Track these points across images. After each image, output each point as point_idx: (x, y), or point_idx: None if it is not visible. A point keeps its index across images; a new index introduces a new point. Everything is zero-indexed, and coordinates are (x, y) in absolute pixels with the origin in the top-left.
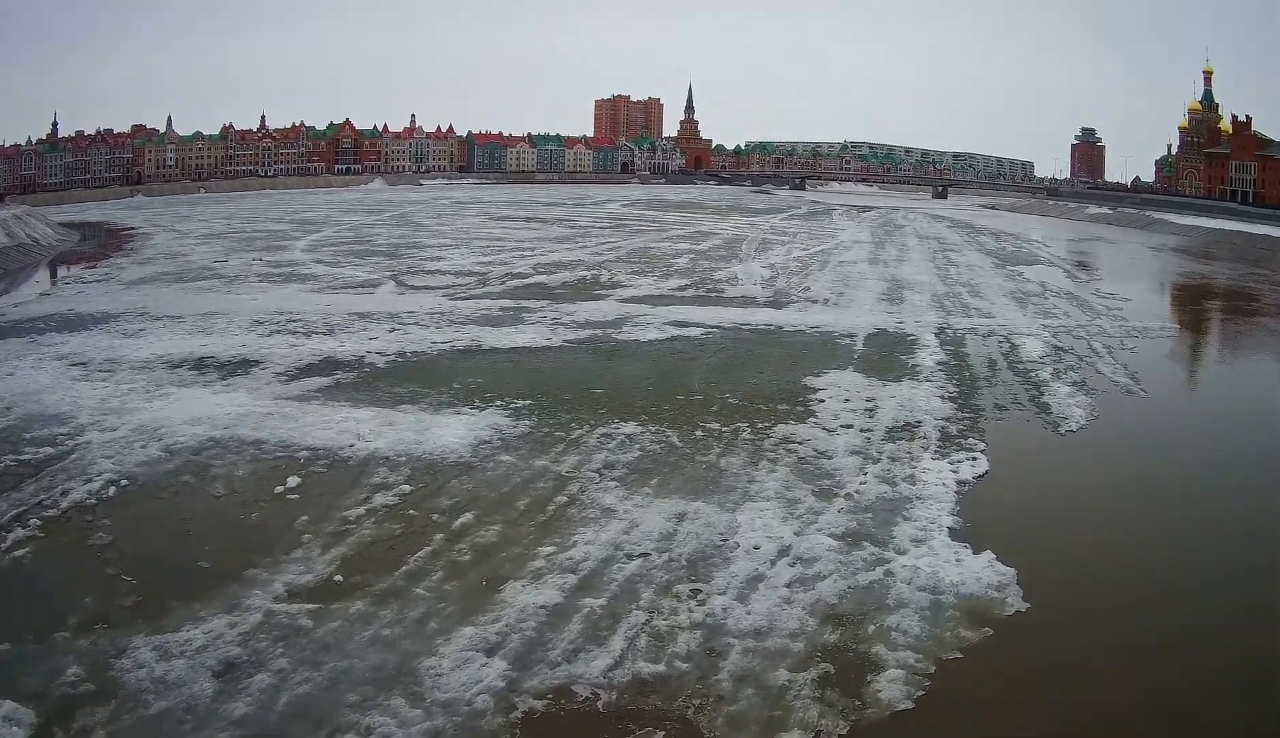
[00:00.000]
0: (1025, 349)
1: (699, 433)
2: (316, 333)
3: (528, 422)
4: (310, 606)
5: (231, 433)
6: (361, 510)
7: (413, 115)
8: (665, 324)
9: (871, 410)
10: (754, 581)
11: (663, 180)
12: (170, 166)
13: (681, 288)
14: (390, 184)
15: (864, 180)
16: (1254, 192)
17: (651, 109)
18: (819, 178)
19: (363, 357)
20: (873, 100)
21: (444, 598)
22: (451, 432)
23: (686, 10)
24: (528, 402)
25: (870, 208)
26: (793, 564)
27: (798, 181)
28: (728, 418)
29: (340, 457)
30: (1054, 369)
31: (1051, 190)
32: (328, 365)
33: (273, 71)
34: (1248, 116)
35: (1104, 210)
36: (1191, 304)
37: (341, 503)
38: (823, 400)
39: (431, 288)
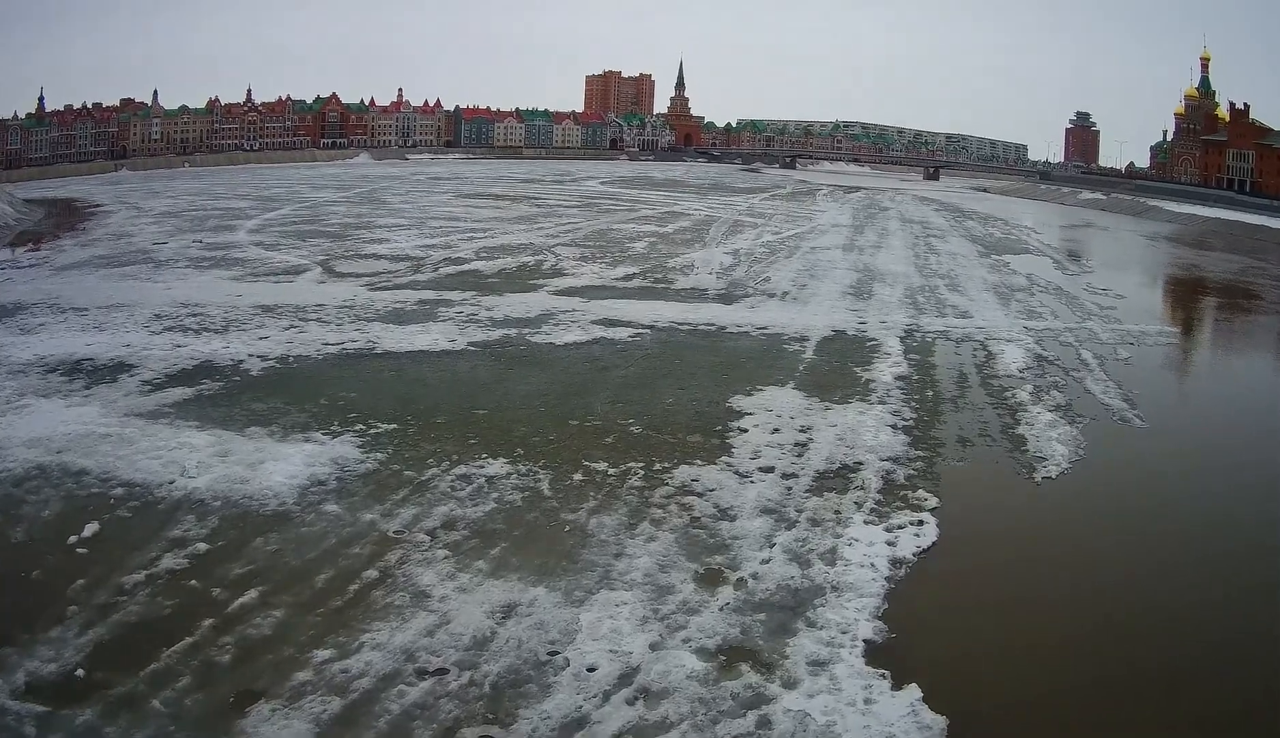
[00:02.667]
0: (1003, 360)
1: (578, 477)
2: (209, 330)
3: (380, 454)
4: (40, 708)
5: (61, 460)
6: (141, 577)
7: (400, 89)
8: (592, 323)
9: (802, 446)
10: (569, 727)
11: (651, 157)
12: (156, 141)
13: (627, 277)
14: (376, 158)
15: (856, 160)
16: (1251, 181)
17: (642, 85)
18: (810, 157)
19: (241, 361)
20: (866, 80)
21: (179, 717)
22: (285, 467)
23: None
24: (392, 426)
25: (857, 188)
26: (633, 701)
27: (788, 160)
28: (621, 454)
29: (153, 497)
30: (1034, 388)
31: (1044, 174)
32: (199, 372)
33: (260, 45)
34: (1245, 104)
35: (1097, 196)
36: (1191, 303)
37: (126, 563)
38: (745, 430)
39: (357, 275)
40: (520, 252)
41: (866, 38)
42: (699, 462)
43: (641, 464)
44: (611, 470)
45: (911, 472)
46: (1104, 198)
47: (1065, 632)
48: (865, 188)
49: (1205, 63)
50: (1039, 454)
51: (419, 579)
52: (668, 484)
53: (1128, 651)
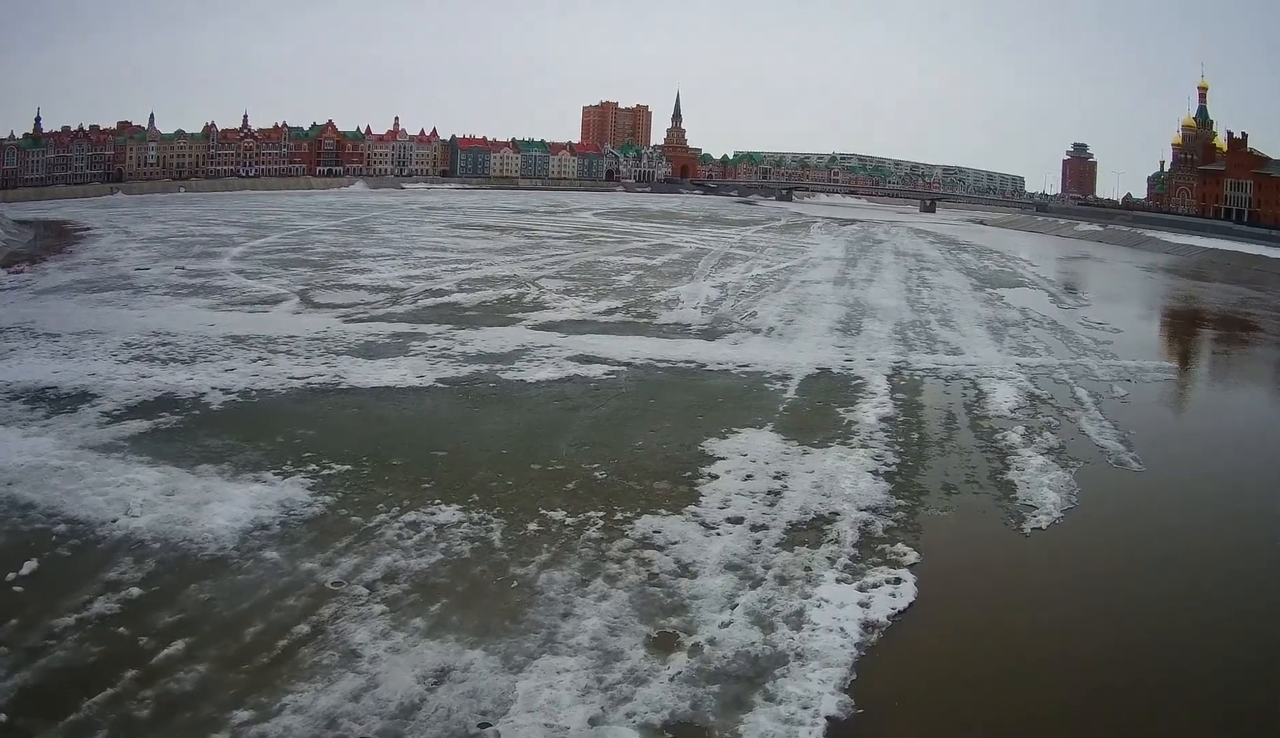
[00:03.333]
0: (994, 399)
1: (533, 526)
2: (176, 360)
3: (328, 498)
4: None
5: (10, 492)
6: (72, 620)
7: (396, 118)
8: (567, 359)
9: (776, 494)
10: None
11: (648, 189)
12: (152, 164)
13: (609, 311)
14: (372, 187)
15: (852, 192)
16: (1249, 210)
17: (639, 117)
18: (807, 189)
19: (203, 395)
20: (863, 112)
21: None
22: (230, 509)
23: (677, 18)
24: (345, 467)
25: (852, 221)
26: None
27: (784, 193)
28: (581, 502)
29: (94, 537)
30: (1026, 429)
31: (1041, 206)
32: (159, 405)
33: (257, 70)
34: (1243, 133)
35: (1094, 227)
36: (1190, 336)
37: (59, 606)
38: (717, 477)
39: (334, 306)
40: (503, 284)
41: (864, 71)
42: (663, 511)
43: (602, 513)
44: (569, 520)
45: (891, 523)
46: (1101, 229)
47: (1056, 708)
48: (861, 220)
49: (1203, 92)
50: (1029, 502)
51: (351, 637)
52: (627, 536)
53: (1127, 732)
